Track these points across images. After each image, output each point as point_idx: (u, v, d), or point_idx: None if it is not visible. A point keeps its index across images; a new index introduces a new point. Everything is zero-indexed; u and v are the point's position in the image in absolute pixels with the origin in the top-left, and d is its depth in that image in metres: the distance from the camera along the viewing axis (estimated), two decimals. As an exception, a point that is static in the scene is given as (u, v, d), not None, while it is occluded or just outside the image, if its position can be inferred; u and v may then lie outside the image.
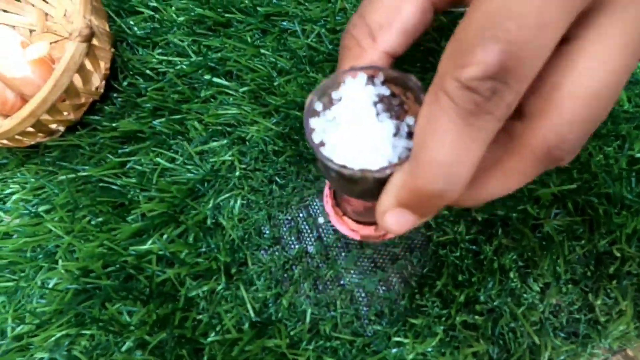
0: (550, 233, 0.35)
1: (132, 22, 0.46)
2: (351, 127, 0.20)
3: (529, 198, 0.36)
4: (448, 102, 0.17)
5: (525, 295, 0.34)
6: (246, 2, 0.46)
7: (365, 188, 0.20)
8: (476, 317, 0.34)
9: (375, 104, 0.21)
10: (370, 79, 0.21)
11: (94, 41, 0.38)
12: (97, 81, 0.41)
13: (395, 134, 0.20)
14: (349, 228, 0.32)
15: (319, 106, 0.21)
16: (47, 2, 0.46)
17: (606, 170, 0.36)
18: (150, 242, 0.37)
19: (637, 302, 0.33)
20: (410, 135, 0.20)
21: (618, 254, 0.34)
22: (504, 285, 0.34)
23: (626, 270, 0.34)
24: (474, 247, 0.36)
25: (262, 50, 0.43)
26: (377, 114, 0.20)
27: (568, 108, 0.17)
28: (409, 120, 0.20)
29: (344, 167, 0.19)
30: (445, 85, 0.17)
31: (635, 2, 0.17)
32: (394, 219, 0.20)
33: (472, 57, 0.16)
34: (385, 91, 0.21)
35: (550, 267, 0.34)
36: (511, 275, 0.34)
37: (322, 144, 0.20)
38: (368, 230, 0.32)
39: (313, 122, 0.21)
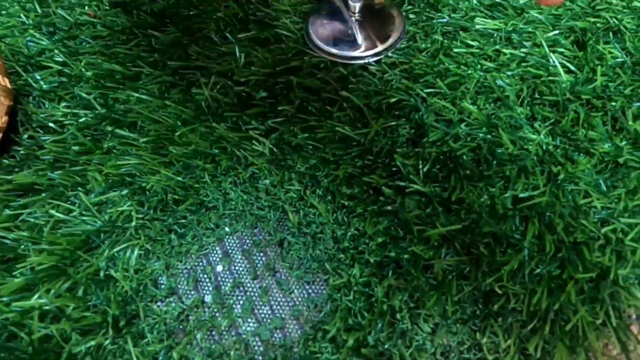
0: (440, 273, 0.36)
1: (38, 77, 0.46)
2: None
3: (419, 239, 0.37)
4: None
5: (416, 336, 0.34)
6: (156, 56, 0.47)
7: None
8: (369, 361, 0.34)
9: None
10: None
11: (-13, 94, 0.38)
12: (-9, 134, 0.40)
13: None
14: None
15: None
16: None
17: (491, 210, 0.37)
18: (35, 297, 0.36)
19: (521, 338, 0.34)
20: None
21: (500, 292, 0.34)
22: (395, 327, 0.34)
23: (511, 307, 0.34)
24: (366, 289, 0.36)
25: (167, 102, 0.44)
26: None
27: None
28: None
29: None
30: None
31: None
32: None
33: None
34: None
35: (439, 307, 0.35)
36: (400, 316, 0.34)
37: None
38: None
39: None
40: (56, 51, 0.47)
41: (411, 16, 0.49)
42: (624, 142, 0.39)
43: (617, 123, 0.40)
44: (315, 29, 0.48)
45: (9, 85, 0.42)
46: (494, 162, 0.40)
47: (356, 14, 0.47)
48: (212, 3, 0.50)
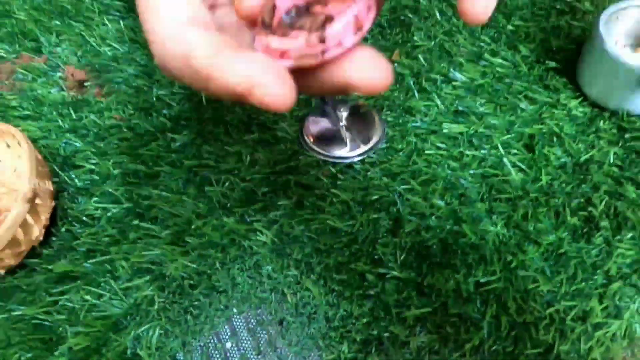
0: (415, 350, 0.43)
1: (73, 175, 0.54)
2: None
3: (398, 320, 0.44)
4: None
5: (395, 405, 0.41)
6: (173, 156, 0.55)
7: None
8: None
9: None
10: None
11: (37, 200, 0.45)
12: (37, 231, 0.48)
13: None
14: (274, 51, 0.22)
15: None
16: (-1, 160, 0.54)
17: (457, 294, 0.45)
18: (73, 374, 0.42)
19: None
20: None
21: (464, 366, 0.41)
22: (378, 397, 0.41)
23: (474, 378, 0.41)
24: (353, 364, 0.42)
25: (184, 197, 0.52)
26: None
27: None
28: None
29: None
30: None
31: None
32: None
33: None
34: None
35: (414, 379, 0.41)
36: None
37: None
38: (298, 44, 0.22)
39: None
40: (88, 152, 0.56)
41: (389, 119, 0.58)
42: (565, 234, 0.47)
43: (560, 217, 0.49)
44: (308, 132, 0.57)
45: (51, 188, 0.50)
46: (459, 250, 0.47)
47: (343, 120, 0.57)
48: (220, 109, 0.59)
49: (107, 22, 0.68)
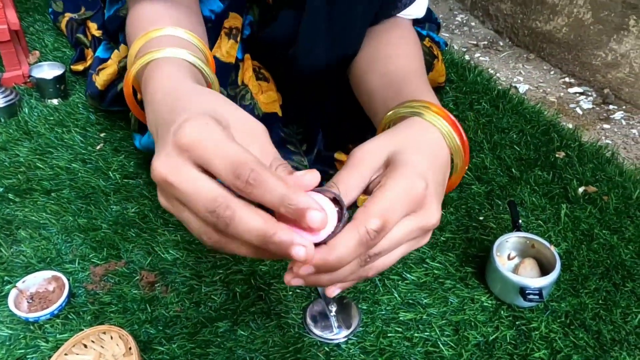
0: None
1: (152, 357, 0.79)
2: None
3: None
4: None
5: None
6: (218, 340, 0.81)
7: None
8: None
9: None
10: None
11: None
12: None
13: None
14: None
15: None
16: (102, 347, 0.79)
17: None
18: None
19: None
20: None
21: None
22: None
23: None
24: None
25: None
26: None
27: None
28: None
29: None
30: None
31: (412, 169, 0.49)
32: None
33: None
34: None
35: None
36: None
37: None
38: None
39: None
40: (160, 338, 0.81)
41: (363, 308, 0.86)
42: (478, 395, 0.74)
43: (475, 383, 0.75)
44: (309, 319, 0.84)
45: (142, 368, 0.75)
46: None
47: (333, 312, 0.84)
48: (249, 302, 0.86)
49: (166, 232, 0.98)
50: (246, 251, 0.41)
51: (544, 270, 0.86)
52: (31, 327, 0.81)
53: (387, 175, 0.48)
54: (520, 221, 0.90)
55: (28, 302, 0.84)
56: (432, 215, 0.48)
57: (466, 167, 0.59)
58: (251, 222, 0.37)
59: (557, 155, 1.17)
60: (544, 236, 0.96)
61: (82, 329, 0.80)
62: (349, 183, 0.49)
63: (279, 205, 0.37)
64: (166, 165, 0.39)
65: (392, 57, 0.82)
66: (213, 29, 0.91)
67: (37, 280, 0.86)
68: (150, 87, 0.54)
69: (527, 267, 0.86)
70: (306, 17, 0.85)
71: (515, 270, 0.87)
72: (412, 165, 0.48)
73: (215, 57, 0.89)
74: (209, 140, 0.38)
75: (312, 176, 0.41)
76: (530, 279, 0.81)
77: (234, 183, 0.38)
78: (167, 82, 0.53)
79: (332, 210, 0.43)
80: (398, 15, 0.87)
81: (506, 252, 0.90)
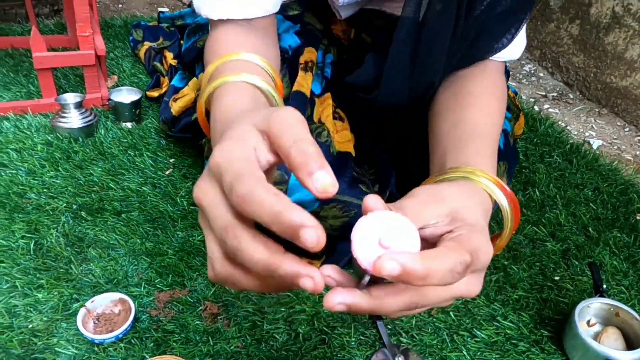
0: None
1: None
2: None
3: None
4: None
5: None
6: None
7: None
8: None
9: None
10: None
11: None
12: None
13: None
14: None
15: None
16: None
17: None
18: None
19: None
20: None
21: None
22: None
23: None
24: None
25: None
26: None
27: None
28: None
29: None
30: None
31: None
32: None
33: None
34: None
35: None
36: None
37: None
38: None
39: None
40: (220, 372, 0.80)
41: (431, 364, 0.81)
42: None
43: None
44: (373, 370, 0.81)
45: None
46: None
47: (397, 363, 0.81)
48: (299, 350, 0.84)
49: (230, 264, 0.97)
50: (254, 284, 0.39)
51: (629, 342, 0.80)
52: (95, 349, 0.81)
53: (464, 228, 0.47)
54: (604, 286, 0.84)
55: (94, 322, 0.85)
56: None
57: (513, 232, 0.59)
58: (256, 254, 0.36)
59: (637, 218, 1.11)
60: (628, 304, 0.89)
61: (145, 356, 0.80)
62: (420, 215, 0.47)
63: (271, 223, 0.34)
64: (198, 188, 0.40)
65: (469, 107, 0.79)
66: (290, 64, 0.93)
67: (104, 302, 0.87)
68: (216, 114, 0.57)
69: (611, 337, 0.80)
70: (389, 62, 0.85)
71: (597, 338, 0.81)
72: (483, 229, 0.49)
73: (295, 92, 0.91)
74: (225, 159, 0.38)
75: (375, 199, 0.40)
76: (618, 351, 0.75)
77: (229, 198, 0.36)
78: (232, 109, 0.55)
79: (413, 231, 0.39)
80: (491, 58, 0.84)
81: (586, 317, 0.84)
